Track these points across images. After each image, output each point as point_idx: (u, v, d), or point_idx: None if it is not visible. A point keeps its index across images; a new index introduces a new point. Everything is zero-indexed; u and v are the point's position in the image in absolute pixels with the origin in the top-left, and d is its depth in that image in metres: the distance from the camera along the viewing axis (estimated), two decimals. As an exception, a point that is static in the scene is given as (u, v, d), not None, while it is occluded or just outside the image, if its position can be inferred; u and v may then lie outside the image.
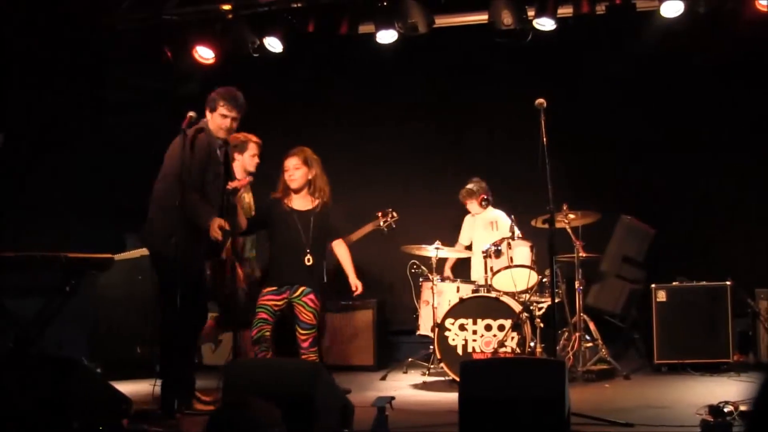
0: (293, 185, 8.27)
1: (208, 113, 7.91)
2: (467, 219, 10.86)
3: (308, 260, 8.26)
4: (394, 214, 9.94)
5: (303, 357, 8.19)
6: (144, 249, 10.54)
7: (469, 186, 10.59)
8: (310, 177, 8.34)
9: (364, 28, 10.84)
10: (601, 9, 9.98)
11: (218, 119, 7.81)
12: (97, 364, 10.32)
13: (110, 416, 6.47)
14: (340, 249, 9.01)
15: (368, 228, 9.57)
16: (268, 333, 8.19)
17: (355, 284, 8.89)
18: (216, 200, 7.67)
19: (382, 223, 9.90)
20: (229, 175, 7.88)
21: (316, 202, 8.47)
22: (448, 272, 10.81)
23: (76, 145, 11.80)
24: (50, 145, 11.51)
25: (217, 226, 7.46)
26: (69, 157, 11.72)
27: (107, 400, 6.55)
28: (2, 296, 8.36)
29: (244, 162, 8.65)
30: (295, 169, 8.28)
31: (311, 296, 8.17)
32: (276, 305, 8.23)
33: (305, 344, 8.15)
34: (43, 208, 11.10)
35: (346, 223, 11.13)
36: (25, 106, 11.21)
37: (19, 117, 11.23)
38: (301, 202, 8.41)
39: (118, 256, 10.03)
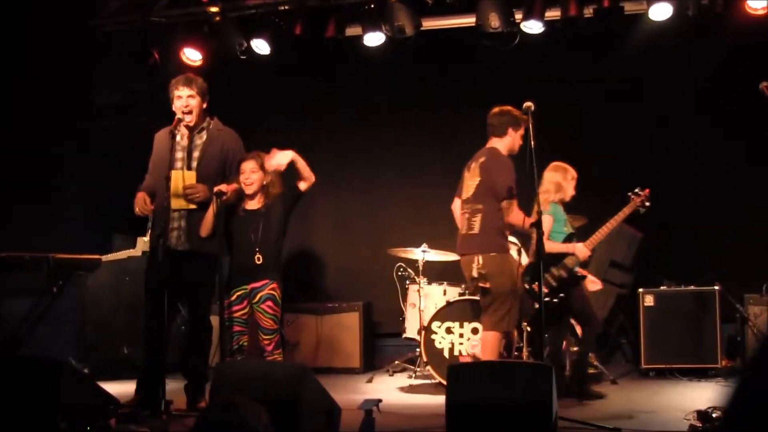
0: (249, 191, 8.21)
1: (172, 106, 7.99)
2: None
3: (258, 259, 8.19)
4: (646, 191, 9.46)
5: (268, 359, 8.16)
6: (131, 250, 10.57)
7: None
8: (265, 182, 8.26)
9: (351, 31, 10.84)
10: (588, 12, 9.97)
11: (177, 103, 7.90)
12: (84, 365, 10.30)
13: (98, 417, 6.46)
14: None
15: (627, 211, 9.16)
16: (245, 342, 8.19)
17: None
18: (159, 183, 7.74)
19: (639, 204, 9.40)
20: (190, 160, 7.92)
21: (265, 201, 8.35)
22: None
23: (64, 146, 11.78)
24: (38, 146, 11.49)
25: (137, 200, 7.76)
26: (57, 158, 11.70)
27: (95, 401, 6.54)
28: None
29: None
30: (252, 173, 8.22)
31: (269, 303, 8.12)
32: (243, 314, 8.20)
33: (269, 348, 8.12)
34: (31, 209, 11.08)
35: (329, 228, 11.20)
36: (12, 106, 11.18)
37: (6, 117, 11.20)
38: (252, 205, 8.34)
39: (105, 257, 10.05)
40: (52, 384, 6.20)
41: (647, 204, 8.83)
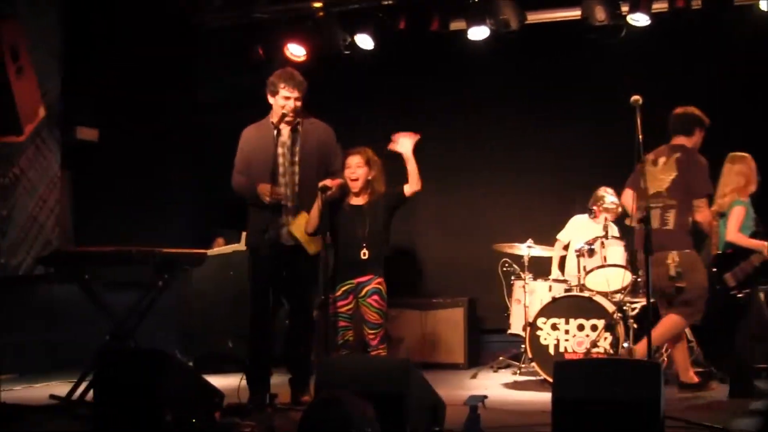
0: (354, 186, 8.19)
1: (270, 98, 7.96)
2: (577, 218, 10.66)
3: (364, 254, 8.18)
4: None
5: (372, 354, 8.16)
6: (235, 245, 10.65)
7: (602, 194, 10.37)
8: (369, 177, 8.25)
9: (456, 25, 10.81)
10: (697, 3, 9.83)
11: (281, 101, 7.85)
12: (188, 358, 10.42)
13: (202, 409, 6.50)
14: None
15: None
16: (351, 338, 8.18)
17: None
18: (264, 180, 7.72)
19: None
20: (292, 156, 7.93)
21: (370, 197, 8.33)
22: (556, 272, 10.58)
23: (170, 142, 11.92)
24: (145, 143, 11.64)
25: (262, 190, 7.66)
26: (163, 154, 11.85)
27: (200, 393, 6.59)
28: (99, 290, 8.45)
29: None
30: (357, 167, 8.21)
31: (376, 297, 8.11)
32: (349, 310, 8.20)
33: (374, 342, 8.12)
34: (138, 204, 11.24)
35: (434, 223, 11.19)
36: (121, 103, 11.34)
37: (115, 114, 11.37)
38: (357, 200, 8.31)
39: (210, 252, 10.13)
40: (157, 376, 6.26)
41: None
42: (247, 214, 8.11)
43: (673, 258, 8.21)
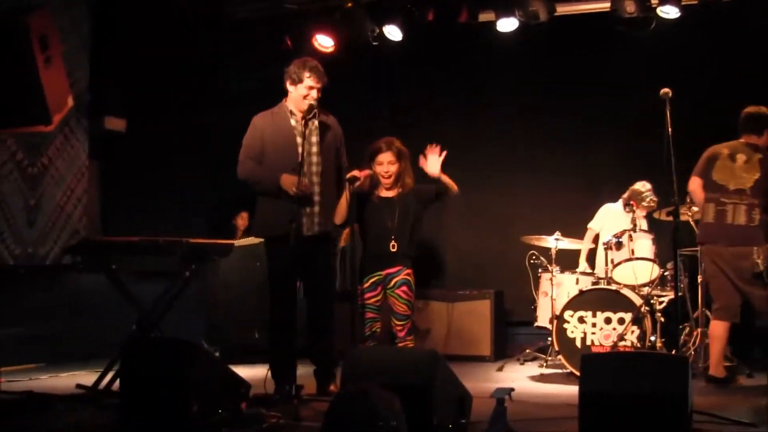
0: (387, 183, 8.18)
1: (290, 86, 7.89)
2: (608, 206, 10.59)
3: (392, 246, 8.17)
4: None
5: (400, 345, 8.15)
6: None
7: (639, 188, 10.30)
8: (400, 170, 8.24)
9: (484, 17, 10.78)
10: (727, -6, 9.80)
11: (303, 90, 7.79)
12: (215, 348, 10.44)
13: (229, 400, 6.51)
14: None
15: None
16: (378, 329, 8.17)
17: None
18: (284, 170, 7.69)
19: None
20: (310, 146, 7.89)
21: (400, 190, 8.32)
22: (584, 264, 10.52)
23: (197, 133, 11.95)
24: (172, 133, 11.67)
25: (287, 182, 7.60)
26: (190, 144, 11.88)
27: (226, 384, 6.60)
28: (126, 280, 8.47)
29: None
30: (390, 165, 8.19)
31: (404, 288, 8.11)
32: (377, 302, 8.19)
33: (401, 333, 8.11)
34: (165, 194, 11.27)
35: (461, 215, 11.18)
36: (148, 94, 11.38)
37: (142, 104, 11.41)
38: (387, 192, 8.30)
39: (237, 242, 10.14)
40: (184, 366, 6.28)
41: None
42: (256, 203, 8.07)
43: (758, 253, 8.23)
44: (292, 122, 7.83)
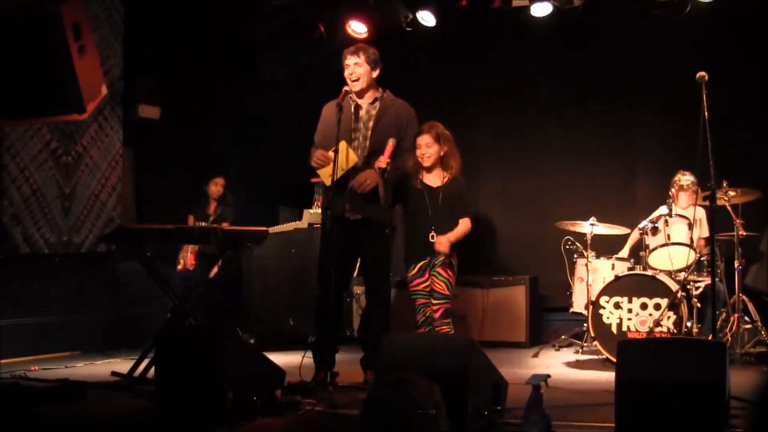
0: (426, 163, 8.14)
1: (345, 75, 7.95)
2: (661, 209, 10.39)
3: (432, 237, 8.12)
4: None
5: (436, 329, 8.09)
6: (296, 222, 10.67)
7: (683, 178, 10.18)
8: (441, 154, 8.18)
9: (518, 2, 10.73)
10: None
11: (346, 72, 7.85)
12: (250, 336, 10.46)
13: (263, 387, 6.52)
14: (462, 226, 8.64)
15: None
16: (431, 313, 8.12)
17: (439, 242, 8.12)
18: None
19: None
20: (366, 130, 7.88)
21: (446, 177, 8.27)
22: (626, 252, 10.37)
23: (231, 121, 11.96)
24: (206, 121, 11.69)
25: (316, 154, 7.68)
26: (224, 132, 11.89)
27: (261, 371, 6.61)
28: (162, 267, 8.50)
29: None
30: (427, 147, 8.15)
31: (444, 267, 8.05)
32: (426, 287, 8.14)
33: (437, 314, 8.05)
34: (200, 182, 11.29)
35: (496, 201, 11.15)
36: (184, 81, 11.40)
37: (176, 92, 11.42)
38: (432, 179, 8.26)
39: (272, 229, 10.13)
40: (219, 354, 6.29)
41: None
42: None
43: None
44: (352, 106, 7.86)
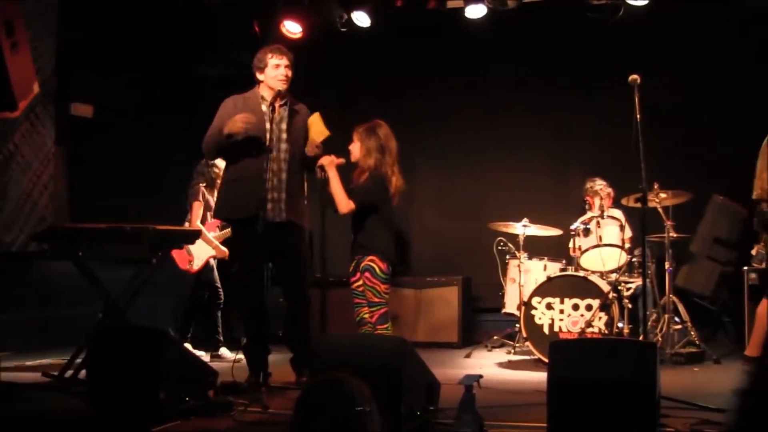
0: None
1: (259, 75, 7.86)
2: None
3: (352, 236, 8.16)
4: None
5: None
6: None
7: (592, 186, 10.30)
8: (363, 153, 8.18)
9: (453, 3, 10.78)
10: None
11: (272, 72, 7.78)
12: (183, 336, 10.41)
13: (196, 387, 6.51)
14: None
15: None
16: (366, 315, 8.11)
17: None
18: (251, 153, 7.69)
19: None
20: (279, 132, 7.85)
21: (365, 175, 8.24)
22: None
23: (167, 119, 11.88)
24: (140, 118, 11.61)
25: (233, 121, 7.57)
26: (160, 130, 11.81)
27: (193, 372, 6.60)
28: (94, 267, 8.43)
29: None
30: (352, 145, 8.17)
31: (367, 274, 8.06)
32: (359, 286, 8.15)
33: (372, 320, 8.07)
34: (135, 180, 11.21)
35: (430, 202, 11.16)
36: (116, 79, 11.31)
37: (110, 90, 11.34)
38: (358, 177, 8.25)
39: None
40: (151, 354, 6.27)
41: None
42: (220, 188, 8.07)
43: None
44: (263, 107, 7.78)
